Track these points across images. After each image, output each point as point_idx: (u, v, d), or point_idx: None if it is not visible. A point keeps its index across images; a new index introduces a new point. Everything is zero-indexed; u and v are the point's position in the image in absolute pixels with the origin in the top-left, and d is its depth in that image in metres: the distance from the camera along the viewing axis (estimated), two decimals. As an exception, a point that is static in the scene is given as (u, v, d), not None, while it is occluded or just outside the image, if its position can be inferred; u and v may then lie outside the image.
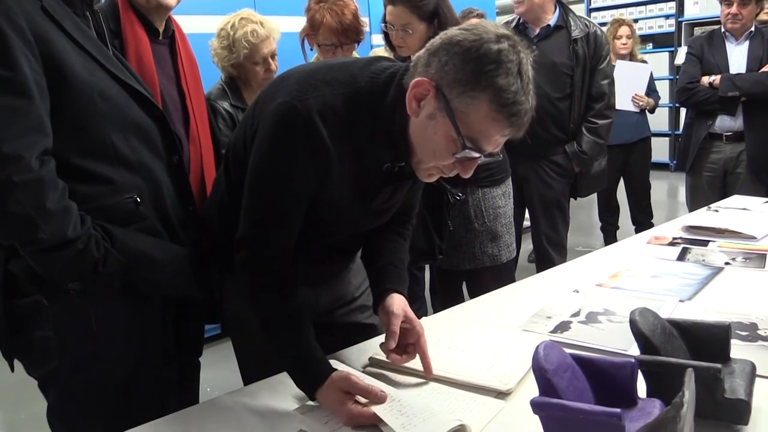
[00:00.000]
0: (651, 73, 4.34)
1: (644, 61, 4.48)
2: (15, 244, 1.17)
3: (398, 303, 1.31)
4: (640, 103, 4.24)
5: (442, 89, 1.09)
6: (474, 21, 2.93)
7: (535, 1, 2.76)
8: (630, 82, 4.22)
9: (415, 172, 1.21)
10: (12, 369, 1.34)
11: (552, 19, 2.83)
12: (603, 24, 4.10)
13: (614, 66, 4.21)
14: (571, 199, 3.11)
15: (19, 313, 1.26)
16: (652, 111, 4.41)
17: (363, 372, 1.28)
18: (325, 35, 2.19)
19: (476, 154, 1.12)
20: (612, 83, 2.91)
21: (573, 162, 2.89)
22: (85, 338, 1.26)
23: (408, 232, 1.50)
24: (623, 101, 4.19)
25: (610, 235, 4.47)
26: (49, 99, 1.17)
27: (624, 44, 4.31)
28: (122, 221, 1.29)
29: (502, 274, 2.31)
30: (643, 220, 4.34)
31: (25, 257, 1.19)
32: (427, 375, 1.26)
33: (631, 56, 4.37)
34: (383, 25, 2.19)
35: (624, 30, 4.32)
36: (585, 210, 5.93)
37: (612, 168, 4.26)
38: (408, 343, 1.29)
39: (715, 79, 3.36)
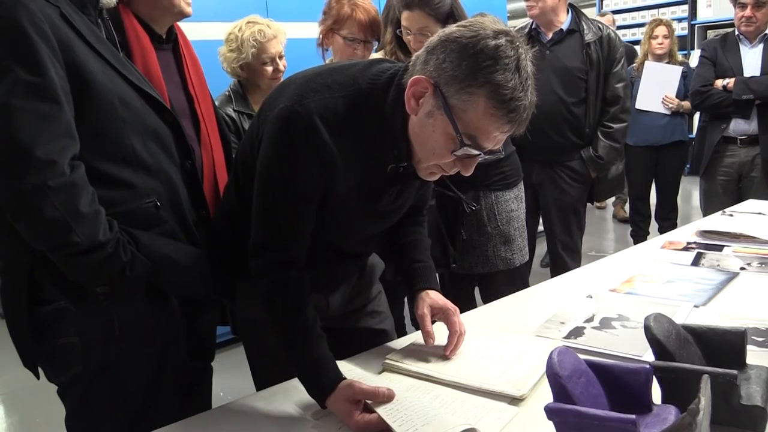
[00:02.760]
0: (685, 75, 4.16)
1: (683, 63, 4.33)
2: (47, 248, 1.18)
3: (422, 303, 1.39)
4: (670, 105, 4.13)
5: (439, 86, 1.09)
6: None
7: (548, 3, 2.75)
8: (659, 83, 4.13)
9: (416, 171, 1.22)
10: (37, 377, 1.35)
11: (565, 23, 2.82)
12: (616, 27, 4.06)
13: (643, 66, 4.20)
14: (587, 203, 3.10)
15: (41, 321, 1.27)
16: (690, 114, 4.28)
17: (378, 376, 1.29)
18: (351, 29, 2.20)
19: (475, 152, 1.12)
20: (627, 86, 2.89)
21: (589, 167, 2.87)
22: (109, 341, 1.28)
23: (424, 218, 1.54)
24: (652, 102, 4.13)
25: (639, 242, 4.41)
26: (73, 104, 1.19)
27: (660, 44, 4.21)
28: (144, 225, 1.30)
29: (515, 278, 2.31)
30: (667, 216, 4.32)
31: (56, 262, 1.20)
32: (444, 352, 1.35)
33: (670, 57, 4.26)
34: (398, 31, 2.20)
35: (660, 30, 4.22)
36: (598, 214, 5.91)
37: (642, 170, 4.26)
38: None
39: (729, 82, 3.33)
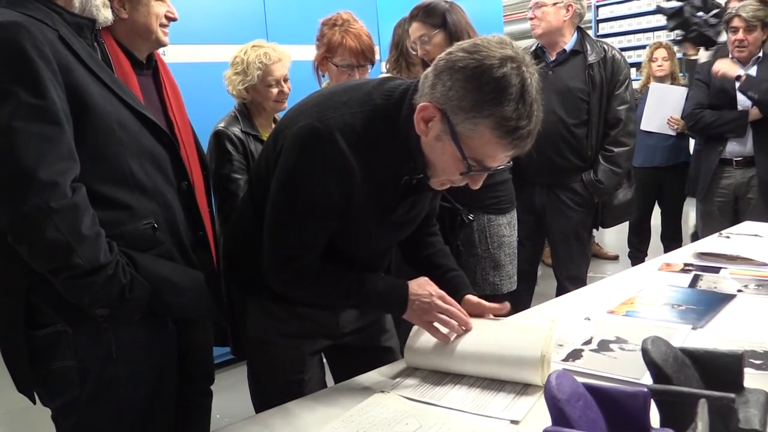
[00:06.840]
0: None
1: (686, 85, 4.34)
2: (48, 270, 1.18)
3: (472, 305, 1.45)
4: (676, 126, 4.15)
5: (446, 113, 1.13)
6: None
7: (553, 23, 2.74)
8: (664, 104, 4.16)
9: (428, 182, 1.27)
10: (33, 401, 1.34)
11: (569, 44, 2.79)
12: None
13: (648, 88, 4.23)
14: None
15: (38, 345, 1.27)
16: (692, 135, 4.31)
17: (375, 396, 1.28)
18: (343, 56, 2.25)
19: (482, 173, 1.19)
20: (631, 109, 2.82)
21: (590, 191, 2.81)
22: (106, 364, 1.27)
23: (437, 226, 1.61)
24: (657, 124, 4.17)
25: (637, 263, 4.39)
26: (73, 127, 1.20)
27: (660, 66, 4.27)
28: (141, 247, 1.31)
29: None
30: (673, 237, 4.34)
31: (56, 284, 1.20)
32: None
33: (672, 79, 4.30)
34: (411, 47, 2.33)
35: (660, 52, 4.29)
36: (596, 236, 5.90)
37: (646, 191, 4.24)
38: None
39: (742, 75, 3.26)
